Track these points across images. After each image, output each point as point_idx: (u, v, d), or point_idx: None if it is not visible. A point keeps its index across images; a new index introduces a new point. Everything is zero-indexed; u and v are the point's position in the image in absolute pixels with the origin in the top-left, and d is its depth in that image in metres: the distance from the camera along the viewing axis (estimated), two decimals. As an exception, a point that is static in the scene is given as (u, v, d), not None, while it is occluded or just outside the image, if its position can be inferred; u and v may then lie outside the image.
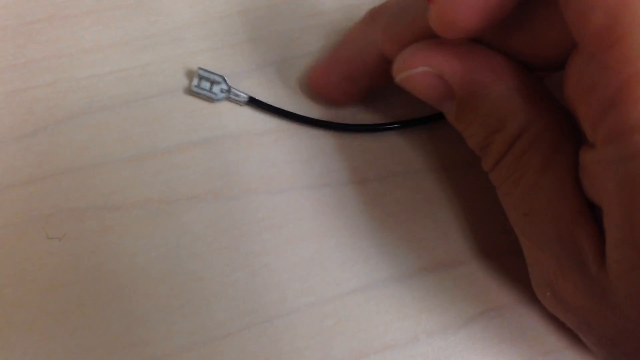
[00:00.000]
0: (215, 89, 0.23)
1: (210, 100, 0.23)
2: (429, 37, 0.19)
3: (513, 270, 0.23)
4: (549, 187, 0.18)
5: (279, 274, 0.22)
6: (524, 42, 0.18)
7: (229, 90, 0.23)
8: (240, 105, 0.23)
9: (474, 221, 0.23)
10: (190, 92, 0.23)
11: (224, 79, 0.23)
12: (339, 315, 0.22)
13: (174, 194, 0.22)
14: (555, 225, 0.17)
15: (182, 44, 0.24)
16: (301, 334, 0.22)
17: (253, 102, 0.23)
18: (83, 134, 0.23)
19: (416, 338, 0.22)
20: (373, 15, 0.22)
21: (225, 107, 0.24)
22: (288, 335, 0.21)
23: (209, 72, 0.23)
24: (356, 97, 0.24)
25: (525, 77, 0.19)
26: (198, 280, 0.22)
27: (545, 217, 0.18)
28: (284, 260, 0.22)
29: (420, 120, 0.24)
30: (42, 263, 0.21)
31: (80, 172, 0.22)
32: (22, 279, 0.21)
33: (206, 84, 0.23)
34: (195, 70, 0.23)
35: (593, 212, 0.17)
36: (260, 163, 0.23)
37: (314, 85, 0.23)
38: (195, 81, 0.23)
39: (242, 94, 0.23)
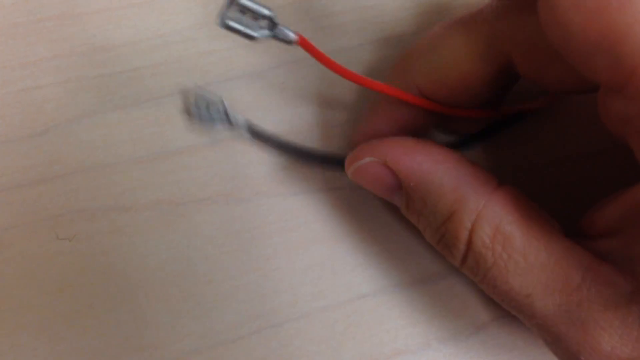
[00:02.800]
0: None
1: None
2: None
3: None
4: (538, 261, 0.17)
5: (289, 278, 0.22)
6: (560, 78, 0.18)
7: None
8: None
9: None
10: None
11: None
12: (349, 320, 0.22)
13: (185, 196, 0.22)
14: (565, 295, 0.17)
15: (194, 44, 0.24)
16: (312, 338, 0.21)
17: (252, 132, 0.22)
18: (94, 134, 0.22)
19: (427, 344, 0.22)
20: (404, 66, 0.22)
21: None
22: (298, 340, 0.21)
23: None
24: None
25: (467, 165, 0.19)
26: (208, 283, 0.21)
27: (550, 291, 0.17)
28: (295, 263, 0.22)
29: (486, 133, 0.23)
30: (52, 264, 0.21)
31: (90, 172, 0.22)
32: (32, 280, 0.21)
33: (203, 103, 0.21)
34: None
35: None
36: (271, 165, 0.23)
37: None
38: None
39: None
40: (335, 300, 0.22)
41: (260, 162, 0.23)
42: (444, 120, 0.22)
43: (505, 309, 0.22)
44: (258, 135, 0.22)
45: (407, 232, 0.23)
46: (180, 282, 0.21)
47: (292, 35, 0.18)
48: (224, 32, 0.24)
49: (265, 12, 0.18)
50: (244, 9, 0.18)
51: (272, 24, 0.18)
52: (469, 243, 0.18)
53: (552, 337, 0.17)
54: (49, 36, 0.23)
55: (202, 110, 0.21)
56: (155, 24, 0.24)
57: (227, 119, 0.21)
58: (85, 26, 0.24)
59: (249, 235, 0.22)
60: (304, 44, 0.18)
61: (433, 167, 0.19)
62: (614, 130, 0.17)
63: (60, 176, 0.22)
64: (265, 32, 0.18)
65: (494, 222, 0.17)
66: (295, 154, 0.22)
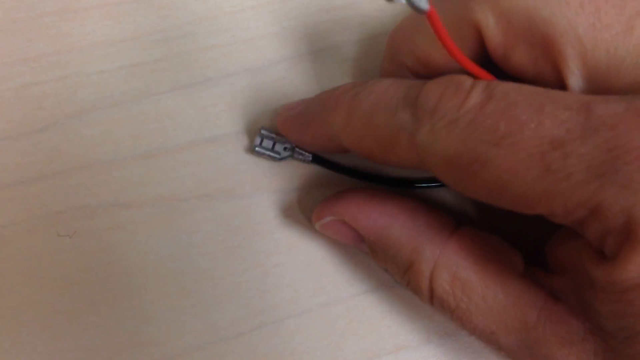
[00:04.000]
0: (279, 147, 0.22)
1: (272, 159, 0.22)
2: None
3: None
4: (496, 302, 0.18)
5: (291, 274, 0.22)
6: None
7: (292, 149, 0.22)
8: (306, 163, 0.22)
9: (489, 222, 0.23)
10: (252, 151, 0.22)
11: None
12: (351, 315, 0.22)
13: (186, 192, 0.22)
14: (524, 333, 0.18)
15: (193, 39, 0.24)
16: (313, 334, 0.21)
17: (317, 161, 0.22)
18: (94, 130, 0.22)
19: (428, 340, 0.22)
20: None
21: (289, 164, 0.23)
22: (300, 336, 0.21)
23: (271, 131, 0.22)
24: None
25: (422, 213, 0.20)
26: (209, 279, 0.21)
27: (510, 329, 0.18)
28: (296, 259, 0.22)
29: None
30: (53, 261, 0.21)
31: (91, 168, 0.22)
32: (32, 277, 0.21)
33: (269, 143, 0.22)
34: (257, 130, 0.22)
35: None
36: (271, 161, 0.23)
37: (281, 128, 0.22)
38: (257, 140, 0.22)
39: (306, 153, 0.22)
40: (336, 296, 0.22)
41: (261, 159, 0.23)
42: None
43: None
44: (326, 165, 0.22)
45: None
46: (181, 279, 0.21)
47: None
48: (224, 27, 0.24)
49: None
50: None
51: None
52: (431, 290, 0.19)
53: None
54: (48, 32, 0.23)
55: (269, 150, 0.22)
56: (155, 19, 0.24)
57: (295, 154, 0.22)
58: (84, 22, 0.23)
59: (250, 231, 0.22)
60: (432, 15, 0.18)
61: (388, 221, 0.20)
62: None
63: (60, 173, 0.22)
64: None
65: (450, 269, 0.18)
66: (365, 179, 0.22)
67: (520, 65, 0.18)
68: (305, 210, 0.22)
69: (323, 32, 0.25)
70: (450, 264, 0.19)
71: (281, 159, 0.22)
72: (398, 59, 0.21)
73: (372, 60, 0.24)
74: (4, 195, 0.21)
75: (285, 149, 0.22)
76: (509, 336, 0.18)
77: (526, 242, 0.19)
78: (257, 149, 0.22)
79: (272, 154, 0.22)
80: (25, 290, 0.20)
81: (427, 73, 0.20)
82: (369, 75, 0.24)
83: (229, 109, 0.23)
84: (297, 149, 0.22)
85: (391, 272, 0.20)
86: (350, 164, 0.22)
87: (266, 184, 0.22)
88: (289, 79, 0.24)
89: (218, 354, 0.21)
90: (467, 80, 0.17)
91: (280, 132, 0.22)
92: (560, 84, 0.17)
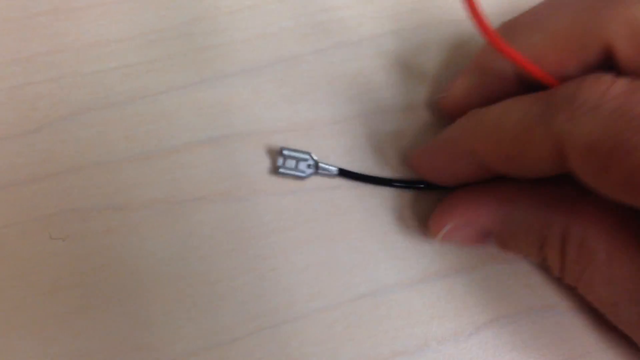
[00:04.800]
0: (302, 165, 0.22)
1: (298, 178, 0.22)
2: None
3: (526, 277, 0.22)
4: (622, 273, 0.18)
5: (287, 278, 0.22)
6: None
7: (316, 166, 0.22)
8: (331, 177, 0.23)
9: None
10: (276, 173, 0.22)
11: (311, 155, 0.22)
12: (348, 320, 0.21)
13: (181, 195, 0.22)
14: None
15: (190, 40, 0.24)
16: (309, 339, 0.21)
17: (343, 174, 0.22)
18: (88, 132, 0.22)
19: (426, 345, 0.22)
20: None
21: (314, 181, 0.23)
22: (296, 341, 0.21)
23: (294, 150, 0.22)
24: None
25: (541, 190, 0.20)
26: (205, 284, 0.21)
27: (634, 301, 0.18)
28: (293, 264, 0.22)
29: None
30: (45, 264, 0.21)
31: (84, 170, 0.22)
32: (25, 280, 0.20)
33: (292, 162, 0.22)
34: (278, 150, 0.22)
35: None
36: (269, 164, 0.22)
37: (416, 167, 0.23)
38: (280, 161, 0.22)
39: (331, 167, 0.22)
40: (333, 300, 0.22)
41: (258, 161, 0.22)
42: None
43: (504, 311, 0.22)
44: (351, 177, 0.23)
45: (405, 232, 0.22)
46: (177, 283, 0.21)
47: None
48: (221, 27, 0.24)
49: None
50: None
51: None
52: (562, 261, 0.19)
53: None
54: (43, 31, 0.23)
55: (293, 170, 0.22)
56: (151, 19, 0.24)
57: (320, 170, 0.22)
58: (79, 21, 0.23)
59: (247, 235, 0.22)
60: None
61: (510, 206, 0.20)
62: None
63: (53, 175, 0.21)
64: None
65: (578, 238, 0.18)
66: (389, 185, 0.23)
67: None
68: (301, 214, 0.22)
69: (321, 32, 0.24)
70: (578, 233, 0.18)
71: (305, 177, 0.22)
72: (492, 66, 0.21)
73: (372, 61, 0.24)
74: (-4, 197, 0.21)
75: (309, 166, 0.22)
76: (631, 307, 0.18)
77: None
78: (281, 170, 0.22)
79: (296, 173, 0.22)
80: (16, 293, 0.20)
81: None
82: (371, 75, 0.24)
83: (226, 110, 0.23)
84: (321, 164, 0.22)
85: (526, 255, 0.20)
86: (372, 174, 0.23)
87: (262, 187, 0.22)
88: (287, 80, 0.24)
89: (213, 359, 0.21)
90: (607, 75, 0.16)
91: (415, 170, 0.22)
92: None
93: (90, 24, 0.23)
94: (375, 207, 0.23)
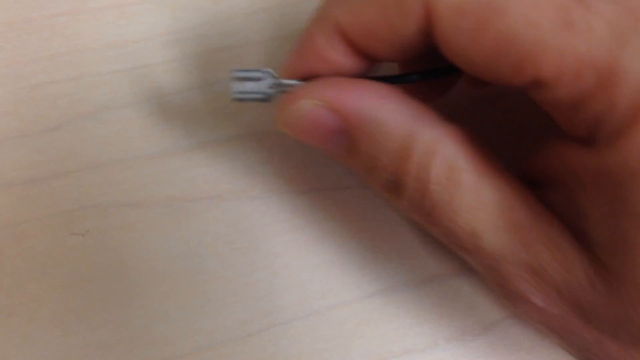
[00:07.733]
0: (262, 86, 0.19)
1: (261, 101, 0.19)
2: None
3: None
4: (488, 199, 0.16)
5: (299, 276, 0.22)
6: None
7: (279, 84, 0.19)
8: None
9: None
10: (232, 99, 0.19)
11: (269, 72, 0.19)
12: (358, 318, 0.22)
13: (196, 193, 0.22)
14: (514, 235, 0.16)
15: (206, 41, 0.24)
16: (321, 336, 0.22)
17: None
18: (106, 130, 0.22)
19: (435, 343, 0.22)
20: None
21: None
22: (308, 337, 0.21)
23: (248, 70, 0.19)
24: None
25: (414, 100, 0.18)
26: (219, 280, 0.22)
27: (499, 230, 0.16)
28: (305, 261, 0.22)
29: (440, 70, 0.19)
30: (65, 259, 0.21)
31: (103, 168, 0.22)
32: (45, 274, 0.21)
33: (250, 85, 0.19)
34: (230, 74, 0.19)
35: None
36: (282, 163, 0.23)
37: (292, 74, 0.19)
38: (234, 86, 0.19)
39: (294, 82, 0.18)
40: (344, 298, 0.22)
41: (272, 160, 0.23)
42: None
43: (510, 312, 0.22)
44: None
45: (416, 231, 0.23)
46: (191, 279, 0.21)
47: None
48: (236, 29, 0.24)
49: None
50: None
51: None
52: (419, 178, 0.17)
53: (498, 277, 0.17)
54: (62, 31, 0.23)
55: (252, 93, 0.19)
56: (168, 21, 0.24)
57: (283, 87, 0.19)
58: (98, 22, 0.24)
59: (260, 233, 0.22)
60: None
61: (379, 103, 0.17)
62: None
63: (72, 172, 0.22)
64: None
65: (446, 156, 0.17)
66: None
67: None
68: (314, 213, 0.23)
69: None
70: (447, 151, 0.17)
71: (269, 98, 0.19)
72: (331, 24, 0.18)
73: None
74: (17, 193, 0.21)
75: (270, 86, 0.19)
76: (494, 236, 0.16)
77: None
78: (236, 95, 0.19)
79: (256, 95, 0.19)
80: (37, 287, 0.21)
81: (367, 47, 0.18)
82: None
83: (241, 110, 0.23)
84: (283, 80, 0.18)
85: (368, 166, 0.18)
86: None
87: (277, 185, 0.23)
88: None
89: (226, 354, 0.21)
90: None
91: (294, 76, 0.19)
92: None
93: (108, 25, 0.24)
94: (385, 207, 0.23)
